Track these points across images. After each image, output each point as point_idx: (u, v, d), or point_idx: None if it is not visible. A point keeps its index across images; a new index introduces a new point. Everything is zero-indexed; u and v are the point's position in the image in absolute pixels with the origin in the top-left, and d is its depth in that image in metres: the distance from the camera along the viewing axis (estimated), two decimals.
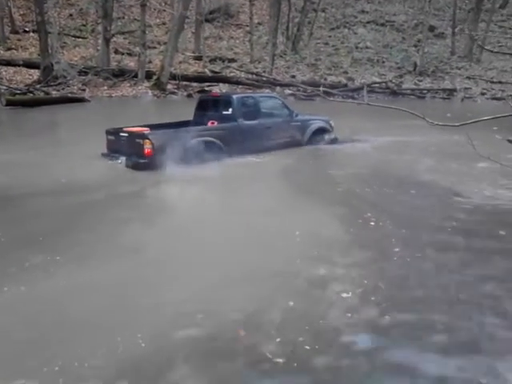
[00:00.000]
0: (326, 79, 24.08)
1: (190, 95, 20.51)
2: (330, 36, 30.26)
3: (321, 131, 9.61)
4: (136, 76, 21.43)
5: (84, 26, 27.66)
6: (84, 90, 20.01)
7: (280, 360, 2.78)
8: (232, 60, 25.85)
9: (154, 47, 25.71)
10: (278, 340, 2.98)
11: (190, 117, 9.12)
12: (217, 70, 24.08)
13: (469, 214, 5.54)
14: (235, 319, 3.20)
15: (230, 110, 8.39)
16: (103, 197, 6.17)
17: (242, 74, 23.34)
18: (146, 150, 7.17)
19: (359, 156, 8.88)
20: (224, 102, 8.73)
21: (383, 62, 27.24)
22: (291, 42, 28.14)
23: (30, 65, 21.19)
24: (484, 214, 5.61)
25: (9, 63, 21.28)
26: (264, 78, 22.88)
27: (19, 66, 21.23)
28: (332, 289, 3.64)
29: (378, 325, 3.18)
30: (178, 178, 6.87)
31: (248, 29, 28.10)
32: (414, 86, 24.26)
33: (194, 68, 24.34)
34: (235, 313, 3.28)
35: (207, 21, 28.24)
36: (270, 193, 6.37)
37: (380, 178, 7.18)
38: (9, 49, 23.88)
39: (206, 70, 23.66)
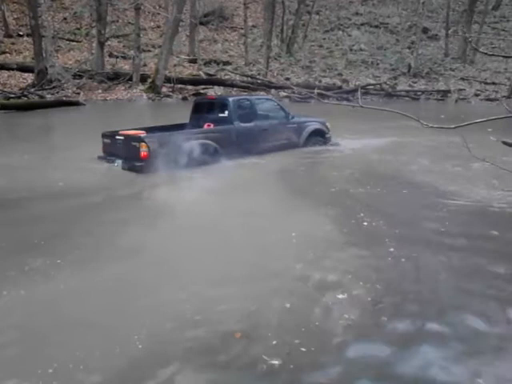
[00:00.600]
0: (320, 81, 24.13)
1: (184, 98, 20.50)
2: (324, 38, 30.37)
3: (317, 133, 9.62)
4: (131, 79, 21.40)
5: (78, 29, 27.60)
6: (78, 93, 19.95)
7: (276, 362, 2.78)
8: (227, 63, 25.88)
9: (149, 50, 25.70)
10: (275, 342, 2.98)
11: (185, 119, 9.11)
12: (211, 72, 24.09)
13: (462, 215, 5.57)
14: (232, 321, 3.21)
15: (226, 112, 8.39)
16: (101, 199, 6.18)
17: (237, 77, 23.35)
18: (142, 153, 7.15)
19: (354, 157, 8.90)
20: (220, 104, 8.72)
21: (377, 63, 27.36)
22: (286, 44, 28.22)
23: (24, 68, 21.09)
24: (477, 214, 5.64)
25: (3, 67, 21.16)
26: (259, 81, 22.91)
27: (13, 69, 21.12)
28: (328, 290, 3.65)
29: (374, 327, 3.18)
30: (175, 181, 6.87)
31: (242, 31, 28.18)
32: (409, 88, 24.38)
33: (188, 71, 24.34)
34: (232, 314, 3.29)
35: (202, 24, 28.26)
36: (266, 194, 6.39)
37: (375, 179, 7.20)
38: (3, 52, 23.77)
39: (201, 73, 23.67)
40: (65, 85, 20.20)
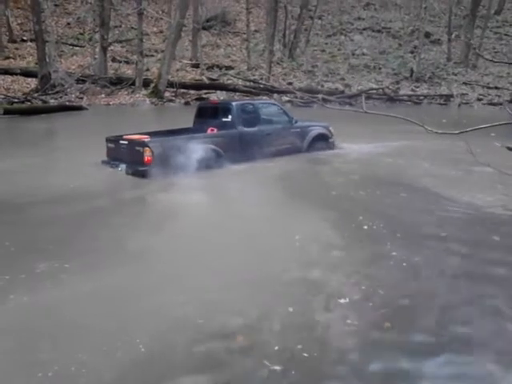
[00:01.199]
0: (322, 86, 24.15)
1: (187, 103, 20.52)
2: (326, 43, 30.41)
3: (321, 137, 9.60)
4: (133, 84, 21.44)
5: (81, 34, 27.73)
6: (82, 98, 20.00)
7: (277, 367, 2.78)
8: (229, 67, 25.93)
9: (152, 55, 25.76)
10: (277, 348, 2.97)
11: (187, 124, 9.12)
12: (214, 77, 24.13)
13: (464, 220, 5.57)
14: (235, 325, 3.22)
15: (230, 117, 8.39)
16: (107, 204, 6.23)
17: (240, 82, 23.37)
18: (146, 158, 7.16)
19: (358, 162, 8.89)
20: (224, 109, 8.73)
21: (380, 68, 27.37)
22: (288, 49, 28.25)
23: (27, 73, 21.16)
24: (480, 219, 5.63)
25: (6, 72, 21.26)
26: (261, 85, 22.93)
27: (17, 74, 21.22)
28: (330, 295, 3.66)
29: (377, 331, 3.18)
30: (178, 185, 6.89)
31: (245, 36, 28.21)
32: (411, 92, 24.36)
33: (191, 76, 24.40)
34: (235, 318, 3.29)
35: (204, 29, 28.33)
36: (269, 198, 6.40)
37: (378, 183, 7.22)
38: (6, 58, 23.88)
39: (204, 78, 23.71)
40: (68, 89, 20.27)
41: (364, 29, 31.71)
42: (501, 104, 21.87)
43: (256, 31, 30.35)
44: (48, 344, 3.01)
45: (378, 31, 31.37)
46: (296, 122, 9.26)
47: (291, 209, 5.95)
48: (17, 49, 25.15)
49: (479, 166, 5.03)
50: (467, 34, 26.67)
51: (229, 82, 23.36)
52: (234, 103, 8.64)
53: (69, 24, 28.39)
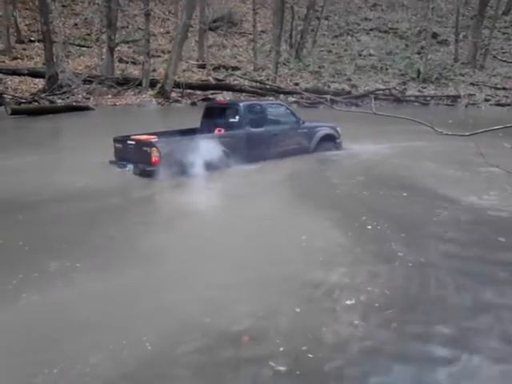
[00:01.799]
0: (329, 86, 24.11)
1: (193, 103, 20.56)
2: (333, 43, 30.34)
3: (328, 138, 9.57)
4: (140, 84, 21.50)
5: (88, 35, 27.84)
6: (88, 98, 20.09)
7: (282, 368, 2.78)
8: (235, 68, 25.94)
9: (158, 56, 25.82)
10: (282, 348, 2.97)
11: (194, 124, 9.13)
12: (220, 77, 24.15)
13: (469, 220, 5.57)
14: (241, 324, 3.23)
15: (237, 117, 8.39)
16: (116, 203, 6.27)
17: (246, 82, 23.37)
18: (154, 158, 7.17)
19: (365, 162, 8.87)
20: (231, 109, 8.73)
21: (387, 69, 27.26)
22: (294, 49, 28.21)
23: (35, 74, 21.27)
24: (486, 220, 5.61)
25: (14, 72, 21.39)
26: (267, 86, 22.92)
27: (24, 75, 21.33)
28: (336, 295, 3.67)
29: (384, 333, 3.17)
30: (186, 186, 6.94)
31: (251, 37, 28.22)
32: (418, 93, 24.25)
33: (197, 76, 24.43)
34: (242, 317, 3.31)
35: (211, 29, 28.36)
36: (276, 198, 6.46)
37: (386, 184, 7.21)
38: (14, 58, 24.01)
39: (210, 78, 23.73)
40: (75, 90, 20.36)
41: (371, 29, 31.60)
42: (509, 105, 21.75)
43: (262, 32, 30.33)
44: (55, 342, 3.04)
45: (385, 32, 31.24)
46: (303, 122, 9.23)
47: (298, 209, 5.98)
48: (24, 49, 25.28)
49: (487, 166, 4.99)
50: (475, 35, 26.52)
51: (235, 82, 23.37)
52: (241, 104, 8.63)
53: (76, 25, 28.53)
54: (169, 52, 23.48)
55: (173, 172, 7.04)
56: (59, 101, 19.13)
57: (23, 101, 18.35)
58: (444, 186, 6.96)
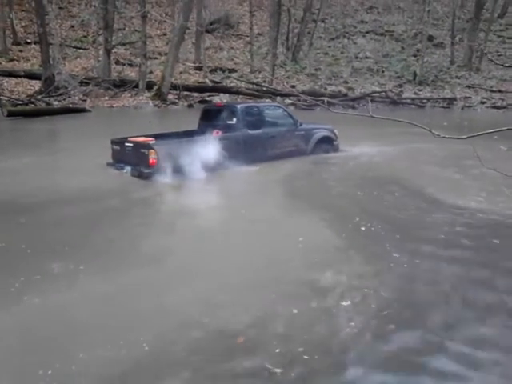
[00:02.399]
0: (326, 89, 24.14)
1: (190, 105, 20.56)
2: (329, 46, 30.41)
3: (325, 140, 9.60)
4: (137, 86, 21.48)
5: (85, 37, 27.80)
6: (85, 100, 20.04)
7: (278, 370, 2.80)
8: (232, 70, 25.95)
9: (155, 58, 25.82)
10: (278, 350, 2.99)
11: (190, 126, 9.14)
12: (217, 80, 24.15)
13: (465, 222, 5.58)
14: (238, 326, 3.25)
15: (235, 119, 8.40)
16: (116, 205, 6.28)
17: (243, 84, 23.40)
18: (151, 160, 7.17)
19: (361, 164, 8.90)
20: (228, 111, 8.75)
21: (383, 71, 27.34)
22: (291, 52, 28.27)
23: (31, 76, 21.21)
24: (480, 221, 5.63)
25: (10, 74, 21.31)
26: (264, 88, 22.94)
27: (21, 76, 21.26)
28: (334, 297, 3.69)
29: (380, 336, 3.18)
30: (183, 188, 6.96)
31: (248, 39, 28.25)
32: (414, 96, 24.33)
33: (194, 78, 24.42)
34: (239, 319, 3.33)
35: (208, 31, 28.38)
36: (273, 200, 6.49)
37: (382, 186, 7.23)
38: (11, 60, 23.95)
39: (207, 80, 23.72)
40: (71, 92, 20.30)
41: (367, 32, 31.70)
42: (504, 107, 21.84)
43: (259, 34, 30.37)
44: (52, 344, 3.06)
45: (381, 34, 31.34)
46: (301, 124, 9.26)
47: (295, 211, 6.01)
48: (21, 51, 25.22)
49: (484, 168, 5.01)
50: (470, 38, 26.63)
51: (232, 84, 23.39)
52: (238, 106, 8.65)
53: (73, 27, 28.49)
54: (165, 54, 23.46)
55: (170, 174, 7.03)
56: (56, 103, 19.05)
57: (19, 102, 18.28)
58: (440, 188, 6.99)
